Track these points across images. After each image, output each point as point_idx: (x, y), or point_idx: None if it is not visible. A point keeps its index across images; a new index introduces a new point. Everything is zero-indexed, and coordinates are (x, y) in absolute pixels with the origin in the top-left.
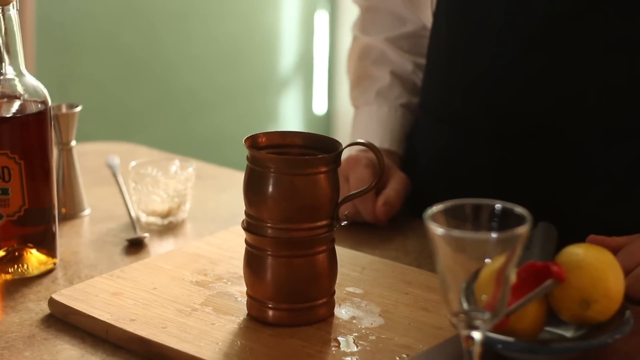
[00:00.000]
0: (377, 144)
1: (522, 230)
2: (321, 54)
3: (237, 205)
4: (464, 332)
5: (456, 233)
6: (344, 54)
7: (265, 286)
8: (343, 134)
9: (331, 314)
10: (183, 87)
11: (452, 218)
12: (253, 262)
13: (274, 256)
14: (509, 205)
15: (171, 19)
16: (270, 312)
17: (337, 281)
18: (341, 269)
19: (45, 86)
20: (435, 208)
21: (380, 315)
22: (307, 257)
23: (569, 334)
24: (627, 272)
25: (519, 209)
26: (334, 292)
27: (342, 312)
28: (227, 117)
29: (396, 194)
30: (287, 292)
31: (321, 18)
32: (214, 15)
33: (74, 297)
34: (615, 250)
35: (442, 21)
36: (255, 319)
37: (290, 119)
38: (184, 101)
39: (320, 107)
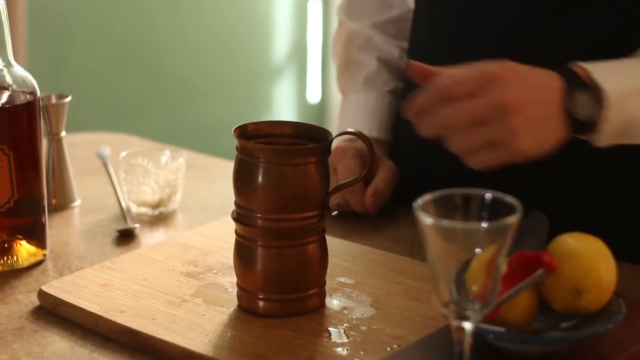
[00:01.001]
0: (365, 132)
1: (513, 219)
2: (315, 43)
3: (228, 195)
4: (454, 323)
5: (446, 223)
6: None
7: (256, 277)
8: (336, 122)
9: (322, 305)
10: (176, 76)
11: (442, 208)
12: (243, 252)
13: (264, 247)
14: (499, 195)
15: (164, 7)
16: (261, 303)
17: (328, 271)
18: (332, 259)
19: (37, 75)
20: (425, 198)
21: (371, 305)
22: (298, 247)
23: (561, 323)
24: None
25: (509, 199)
26: (324, 283)
27: (333, 302)
28: (221, 106)
29: (385, 185)
30: (277, 283)
31: (315, 6)
32: (207, 3)
33: (63, 288)
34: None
35: (423, 16)
36: (245, 310)
37: (283, 107)
38: (178, 90)
39: (313, 95)
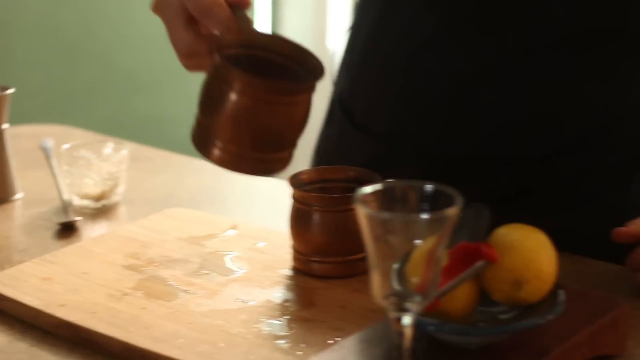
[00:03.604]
0: None
1: (453, 211)
2: None
3: (172, 187)
4: (393, 315)
5: (385, 215)
6: None
7: (311, 240)
8: None
9: None
10: (123, 67)
11: (383, 200)
12: (299, 217)
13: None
14: (440, 186)
15: None
16: (316, 265)
17: None
18: None
19: None
20: (365, 190)
21: (310, 297)
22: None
23: (501, 315)
24: None
25: (449, 190)
26: None
27: (273, 295)
28: (168, 97)
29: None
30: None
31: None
32: None
33: (3, 282)
34: None
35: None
36: (301, 271)
37: None
38: (124, 81)
39: None
